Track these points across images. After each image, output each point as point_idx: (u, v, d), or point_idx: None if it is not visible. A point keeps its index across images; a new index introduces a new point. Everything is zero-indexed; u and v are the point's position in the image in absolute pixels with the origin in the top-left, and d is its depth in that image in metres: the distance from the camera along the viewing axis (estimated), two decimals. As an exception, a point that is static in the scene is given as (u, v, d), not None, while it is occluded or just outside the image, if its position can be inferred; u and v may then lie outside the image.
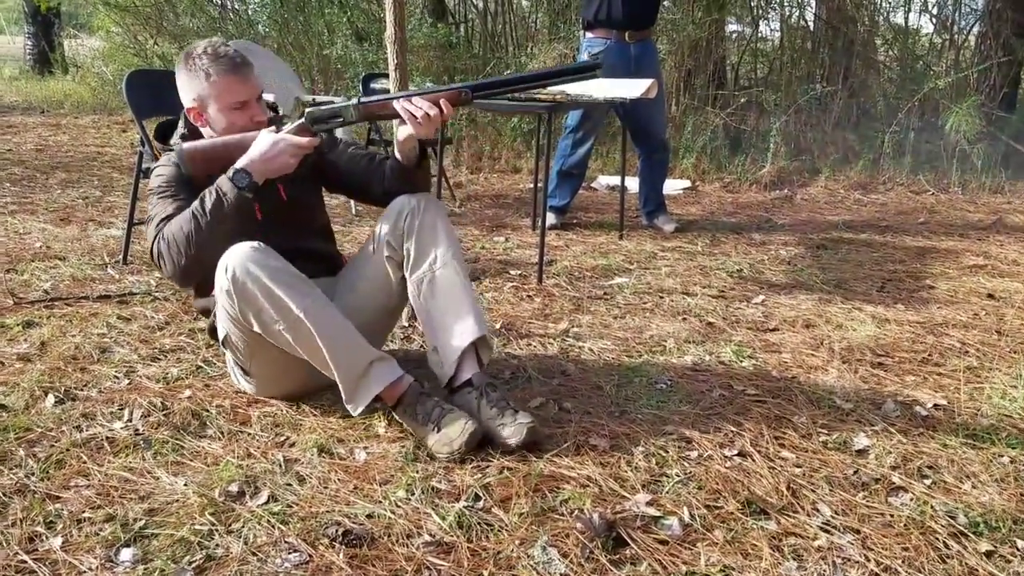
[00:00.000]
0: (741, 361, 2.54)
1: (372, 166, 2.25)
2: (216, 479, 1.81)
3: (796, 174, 6.07)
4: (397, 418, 2.00)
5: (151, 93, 3.46)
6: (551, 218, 4.46)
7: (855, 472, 1.88)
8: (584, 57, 4.47)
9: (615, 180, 5.87)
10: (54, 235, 3.97)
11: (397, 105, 2.01)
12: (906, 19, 7.96)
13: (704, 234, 4.43)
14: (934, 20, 8.46)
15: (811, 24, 7.98)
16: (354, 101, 2.06)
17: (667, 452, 1.94)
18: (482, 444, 1.92)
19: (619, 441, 1.99)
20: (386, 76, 4.32)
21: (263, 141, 2.00)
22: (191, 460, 1.90)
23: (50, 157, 6.46)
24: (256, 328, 1.95)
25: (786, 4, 7.81)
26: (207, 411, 2.13)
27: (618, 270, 3.65)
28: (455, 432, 1.88)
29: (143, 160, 3.48)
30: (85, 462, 1.88)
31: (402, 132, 2.10)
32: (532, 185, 4.79)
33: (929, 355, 2.64)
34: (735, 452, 1.94)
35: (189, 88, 2.10)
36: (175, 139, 2.18)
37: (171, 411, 2.12)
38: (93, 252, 3.68)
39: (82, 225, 4.23)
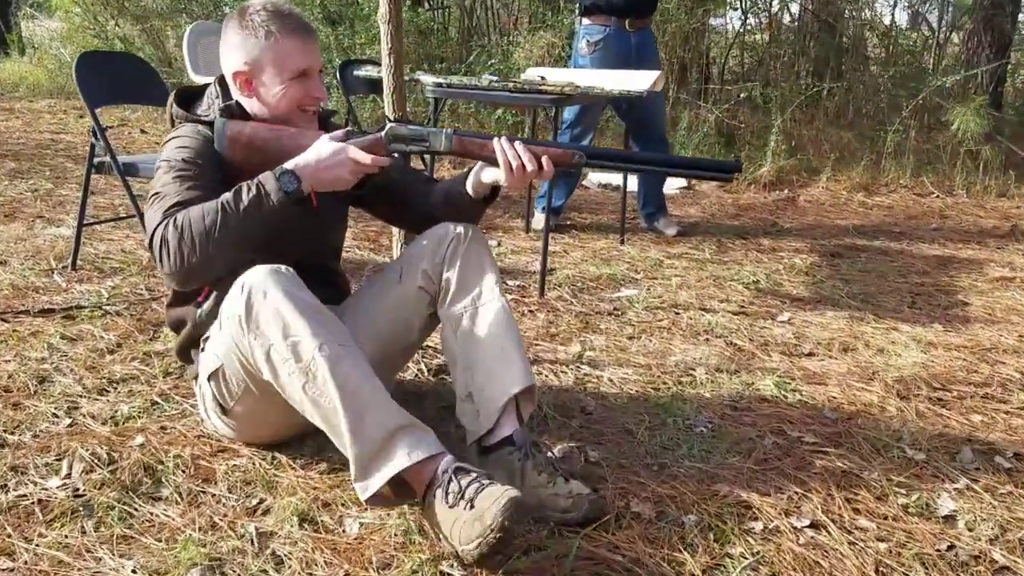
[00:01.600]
0: (785, 396, 2.22)
1: (418, 184, 1.93)
2: (172, 563, 1.44)
3: (795, 174, 5.78)
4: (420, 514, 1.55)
5: (106, 78, 3.05)
6: (543, 219, 4.11)
7: (949, 547, 1.57)
8: (581, 45, 4.12)
9: (607, 178, 5.54)
10: (-6, 234, 3.55)
11: (496, 147, 1.67)
12: (892, 16, 7.76)
13: (709, 239, 4.11)
14: (921, 19, 8.29)
15: (796, 17, 7.74)
16: (448, 131, 1.71)
17: (725, 523, 1.60)
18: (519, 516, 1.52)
19: (665, 507, 1.65)
20: (369, 62, 3.96)
21: (324, 147, 1.64)
22: (142, 534, 1.53)
23: (0, 145, 5.98)
24: (261, 366, 1.56)
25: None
26: (163, 464, 1.76)
27: (624, 280, 3.32)
28: (488, 501, 1.41)
29: (95, 153, 3.08)
30: (10, 535, 1.51)
31: (488, 175, 1.76)
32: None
33: (990, 388, 2.34)
34: (806, 523, 1.62)
35: (241, 49, 1.73)
36: (213, 108, 1.78)
37: (119, 465, 1.75)
38: (39, 255, 3.27)
39: (28, 222, 3.80)
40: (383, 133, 1.71)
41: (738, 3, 7.46)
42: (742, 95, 6.84)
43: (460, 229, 1.80)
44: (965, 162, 5.75)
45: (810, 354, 2.57)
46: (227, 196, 1.59)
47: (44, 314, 2.62)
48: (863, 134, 6.35)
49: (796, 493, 1.73)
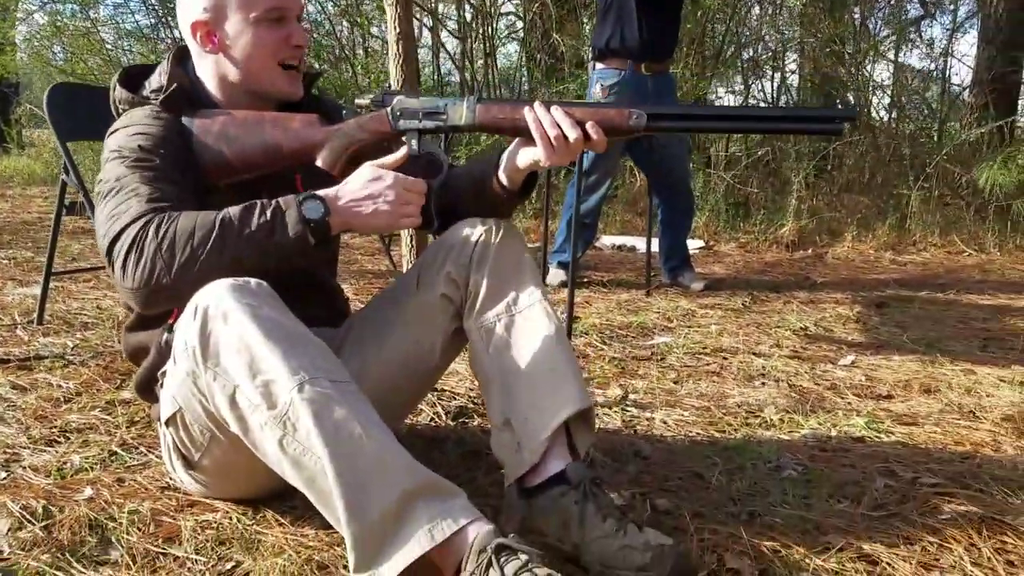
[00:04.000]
0: (880, 436, 1.84)
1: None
2: (112, 645, 1.05)
3: (817, 235, 5.49)
4: None
5: (79, 110, 2.76)
6: (560, 275, 3.79)
7: None
8: (595, 90, 3.86)
9: (621, 239, 5.25)
10: (-44, 292, 3.20)
11: (529, 116, 1.32)
12: (895, 67, 7.62)
13: (739, 292, 3.77)
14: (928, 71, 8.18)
15: (794, 90, 7.63)
16: (470, 98, 1.36)
17: (853, 581, 1.21)
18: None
19: (770, 564, 1.26)
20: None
21: (362, 175, 1.29)
22: (75, 608, 1.14)
23: (-16, 223, 5.69)
24: (225, 414, 1.18)
25: (771, 68, 7.43)
26: (114, 520, 1.37)
27: (656, 328, 2.96)
28: None
29: (65, 192, 2.76)
30: None
31: (524, 156, 1.38)
32: (532, 244, 4.13)
33: (1112, 426, 1.97)
34: (956, 579, 1.23)
35: None
36: (160, 87, 1.41)
37: (57, 520, 1.36)
38: (3, 311, 2.92)
39: (-2, 284, 3.47)
40: (388, 108, 1.38)
41: (741, 68, 7.34)
42: (753, 156, 6.64)
43: (489, 225, 1.44)
44: (994, 220, 5.47)
45: (888, 396, 2.20)
46: (232, 211, 1.22)
47: (-3, 364, 2.25)
48: (880, 197, 6.11)
49: (931, 543, 1.33)
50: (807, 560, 1.28)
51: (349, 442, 1.10)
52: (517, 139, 1.39)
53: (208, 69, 1.44)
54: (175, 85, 1.40)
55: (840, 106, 1.53)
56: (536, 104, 1.33)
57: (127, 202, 1.25)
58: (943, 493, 1.52)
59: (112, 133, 1.38)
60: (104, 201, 1.27)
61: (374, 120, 1.38)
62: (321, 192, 1.26)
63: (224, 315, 1.15)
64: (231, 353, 1.14)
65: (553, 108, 1.32)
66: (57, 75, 9.29)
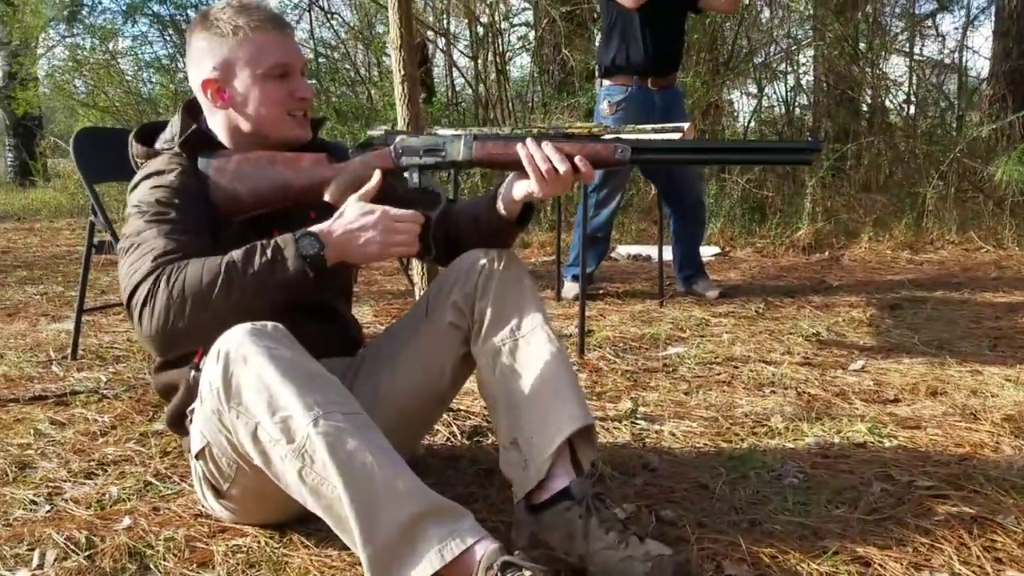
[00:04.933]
0: (882, 441, 1.90)
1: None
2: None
3: (833, 236, 5.52)
4: None
5: (103, 153, 2.87)
6: (575, 288, 3.86)
7: None
8: (603, 106, 3.94)
9: (636, 249, 5.31)
10: (-6, 330, 3.34)
11: (521, 151, 1.41)
12: (911, 61, 7.63)
13: (754, 298, 3.82)
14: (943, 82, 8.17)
15: (808, 91, 7.66)
16: (467, 134, 1.45)
17: (846, 584, 1.28)
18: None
19: (765, 569, 1.33)
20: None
21: (352, 209, 1.39)
22: (118, 631, 1.23)
23: (13, 257, 5.86)
24: (248, 449, 1.27)
25: (787, 71, 7.46)
26: (151, 548, 1.46)
27: (670, 339, 3.03)
28: None
29: (93, 232, 2.89)
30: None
31: (519, 188, 1.47)
32: (547, 256, 4.21)
33: (1115, 422, 2.01)
34: (946, 579, 1.29)
35: (208, 54, 1.48)
36: (172, 137, 1.52)
37: (99, 550, 1.46)
38: (38, 348, 3.05)
39: (32, 320, 3.60)
40: (391, 147, 1.47)
41: (753, 73, 7.38)
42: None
43: (493, 254, 1.53)
44: (1013, 215, 5.48)
45: (895, 400, 2.25)
46: (235, 255, 1.32)
47: (35, 401, 2.37)
48: (898, 196, 6.13)
49: (923, 544, 1.40)
50: (803, 564, 1.34)
51: (362, 470, 1.18)
52: (513, 173, 1.48)
53: (219, 122, 1.53)
54: (192, 127, 1.50)
55: (810, 138, 1.67)
56: (528, 140, 1.42)
57: (143, 257, 1.34)
58: (937, 495, 1.58)
59: (134, 188, 1.47)
60: (125, 256, 1.38)
61: (378, 157, 1.48)
62: (315, 228, 1.36)
63: (244, 358, 1.24)
64: (251, 392, 1.23)
65: (544, 144, 1.41)
66: (79, 108, 9.55)
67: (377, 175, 1.44)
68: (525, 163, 1.41)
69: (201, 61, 1.49)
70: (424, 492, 1.21)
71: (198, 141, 1.51)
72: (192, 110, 1.57)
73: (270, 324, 1.29)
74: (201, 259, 1.32)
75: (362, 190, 1.42)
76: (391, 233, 1.37)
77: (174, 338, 1.31)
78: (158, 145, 1.54)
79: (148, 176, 1.46)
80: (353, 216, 1.37)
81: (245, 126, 1.51)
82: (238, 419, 1.25)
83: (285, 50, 1.48)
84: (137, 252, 1.36)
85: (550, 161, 1.40)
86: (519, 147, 1.42)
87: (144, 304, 1.30)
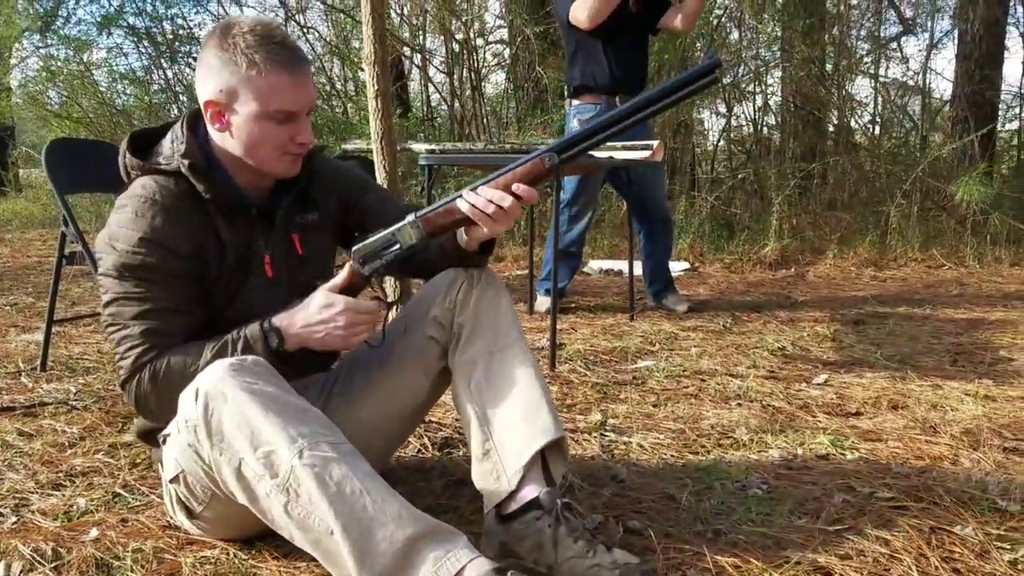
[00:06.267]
0: (844, 453, 1.94)
1: None
2: (121, 674, 1.14)
3: (799, 253, 5.61)
4: None
5: (76, 164, 2.87)
6: (547, 302, 3.89)
7: (1083, 607, 1.27)
8: (572, 124, 3.99)
9: (608, 264, 5.36)
10: (-41, 342, 3.30)
11: (463, 205, 1.42)
12: (876, 82, 7.78)
13: (722, 313, 3.88)
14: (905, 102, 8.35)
15: (776, 111, 7.79)
16: (409, 218, 1.45)
17: (806, 592, 1.31)
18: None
19: (729, 577, 1.36)
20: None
21: (316, 301, 1.41)
22: (85, 641, 1.23)
23: (-18, 269, 5.78)
24: (232, 488, 1.29)
25: (756, 91, 7.59)
26: (119, 559, 1.46)
27: (639, 353, 3.06)
28: None
29: (65, 243, 2.87)
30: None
31: (474, 234, 1.49)
32: (521, 270, 4.24)
33: (1068, 436, 2.07)
34: (903, 586, 1.32)
35: (217, 75, 1.41)
36: (172, 153, 1.46)
37: (66, 561, 1.45)
38: (7, 359, 3.01)
39: (2, 331, 3.56)
40: (350, 262, 1.47)
41: (723, 93, 7.49)
42: (735, 178, 6.77)
43: (472, 271, 1.57)
44: (974, 233, 5.61)
45: (857, 413, 2.30)
46: (213, 347, 1.37)
47: (3, 412, 2.34)
48: (862, 214, 6.24)
49: (882, 555, 1.43)
50: (765, 574, 1.37)
51: (351, 498, 1.20)
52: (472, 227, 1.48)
53: (216, 137, 1.49)
54: (188, 162, 1.44)
55: (708, 60, 1.64)
56: (464, 193, 1.43)
57: (131, 349, 1.39)
58: (897, 507, 1.62)
59: (119, 211, 1.43)
60: (109, 333, 1.42)
61: (348, 275, 1.46)
62: (278, 322, 1.39)
63: (223, 395, 1.26)
64: (233, 429, 1.25)
65: (479, 189, 1.42)
66: (52, 119, 9.44)
67: (347, 269, 1.45)
68: (471, 215, 1.42)
69: (209, 78, 1.44)
70: (415, 515, 1.23)
71: (196, 171, 1.45)
72: (194, 125, 1.51)
73: (250, 358, 1.32)
74: (181, 350, 1.39)
75: (330, 283, 1.44)
76: (353, 325, 1.40)
77: (166, 418, 1.40)
78: (156, 160, 1.48)
79: (136, 211, 1.41)
80: (316, 309, 1.40)
81: (237, 151, 1.47)
82: (221, 456, 1.27)
83: (295, 97, 1.43)
84: (121, 335, 1.40)
85: (492, 202, 1.41)
86: (459, 203, 1.43)
87: (137, 401, 1.42)
